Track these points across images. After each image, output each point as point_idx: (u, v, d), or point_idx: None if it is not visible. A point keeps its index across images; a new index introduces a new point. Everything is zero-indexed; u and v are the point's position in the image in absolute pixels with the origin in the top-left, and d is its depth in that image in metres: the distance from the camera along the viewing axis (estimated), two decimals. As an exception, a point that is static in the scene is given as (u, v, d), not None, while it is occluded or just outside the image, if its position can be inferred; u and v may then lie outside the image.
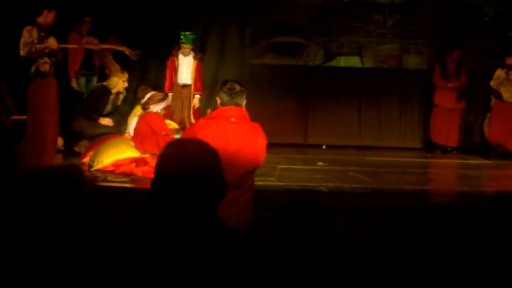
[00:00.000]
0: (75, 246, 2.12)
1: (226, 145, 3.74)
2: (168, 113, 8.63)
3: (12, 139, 7.56)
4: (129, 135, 7.79)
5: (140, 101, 7.91)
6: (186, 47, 8.55)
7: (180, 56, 8.62)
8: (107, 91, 8.29)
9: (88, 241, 2.09)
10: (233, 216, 3.71)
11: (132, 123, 7.93)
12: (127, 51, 7.89)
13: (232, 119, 4.02)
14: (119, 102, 8.59)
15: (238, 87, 4.07)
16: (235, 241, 1.86)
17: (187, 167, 1.84)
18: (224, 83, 4.15)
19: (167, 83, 8.72)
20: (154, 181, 1.89)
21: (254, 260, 1.83)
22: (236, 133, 3.99)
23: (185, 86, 8.70)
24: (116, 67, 8.23)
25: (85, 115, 8.21)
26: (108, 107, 8.37)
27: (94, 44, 8.18)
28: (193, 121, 8.63)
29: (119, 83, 8.30)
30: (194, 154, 1.88)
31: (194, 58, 8.70)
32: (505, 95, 9.09)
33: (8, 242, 2.12)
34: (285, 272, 2.06)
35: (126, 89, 8.70)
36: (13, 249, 2.10)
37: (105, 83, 8.32)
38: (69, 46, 8.05)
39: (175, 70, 8.64)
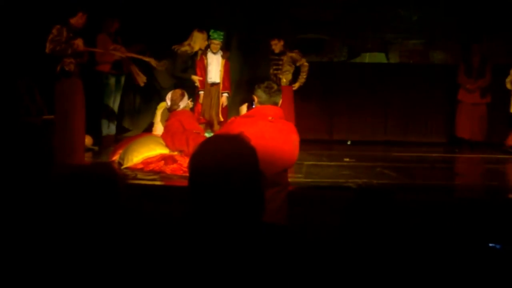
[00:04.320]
0: (113, 245, 2.12)
1: (263, 143, 3.69)
2: (200, 111, 8.67)
3: (47, 138, 7.65)
4: (158, 132, 7.82)
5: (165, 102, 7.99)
6: (217, 43, 8.58)
7: (209, 55, 8.65)
8: None
9: (126, 240, 2.10)
10: (273, 213, 3.75)
11: (159, 123, 7.98)
12: (153, 62, 7.95)
13: (270, 118, 4.03)
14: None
15: (275, 86, 4.10)
16: (278, 238, 1.82)
17: (223, 163, 1.79)
18: (262, 81, 4.17)
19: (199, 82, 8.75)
20: (190, 179, 1.84)
21: (299, 256, 1.82)
22: (273, 131, 4.00)
23: (213, 84, 8.73)
24: (141, 77, 8.27)
25: None
26: None
27: (121, 52, 8.24)
28: (221, 119, 8.68)
29: None
30: (230, 150, 1.83)
31: (223, 57, 8.72)
32: None
33: (43, 240, 2.12)
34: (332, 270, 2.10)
35: (153, 89, 8.69)
36: (49, 247, 2.10)
37: None
38: (96, 50, 8.10)
39: (204, 68, 8.68)
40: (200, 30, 8.56)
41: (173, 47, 8.53)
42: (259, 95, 4.07)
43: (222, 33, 8.63)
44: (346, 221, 2.56)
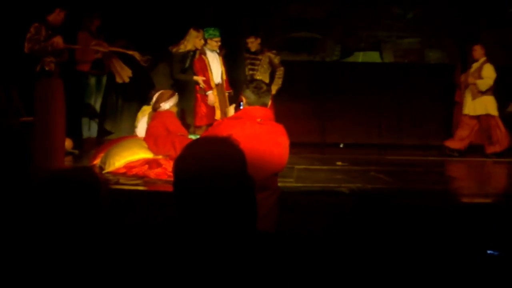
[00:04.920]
0: (94, 253, 2.05)
1: (251, 146, 3.66)
2: (212, 113, 8.25)
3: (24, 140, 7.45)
4: (139, 135, 7.67)
5: (150, 102, 7.76)
6: (218, 40, 8.21)
7: (209, 54, 8.26)
8: None
9: (109, 248, 2.03)
10: (262, 219, 3.60)
11: (141, 123, 7.76)
12: (137, 56, 7.80)
13: (258, 120, 3.97)
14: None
15: (264, 86, 4.03)
16: (268, 246, 1.76)
17: (210, 166, 1.74)
18: (251, 81, 4.14)
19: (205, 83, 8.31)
20: (175, 184, 1.79)
21: (291, 265, 1.76)
22: (262, 134, 3.94)
23: (217, 84, 8.30)
24: (126, 71, 8.06)
25: None
26: None
27: (103, 46, 8.05)
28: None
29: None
30: (217, 153, 1.77)
31: (219, 54, 8.38)
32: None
33: (23, 246, 2.06)
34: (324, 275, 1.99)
35: (136, 90, 8.56)
36: (29, 254, 2.04)
37: None
38: (76, 47, 7.98)
39: (207, 68, 8.24)
40: (196, 28, 8.24)
41: (170, 48, 8.25)
42: (247, 96, 4.00)
43: (218, 29, 8.31)
44: (346, 227, 2.59)
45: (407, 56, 10.28)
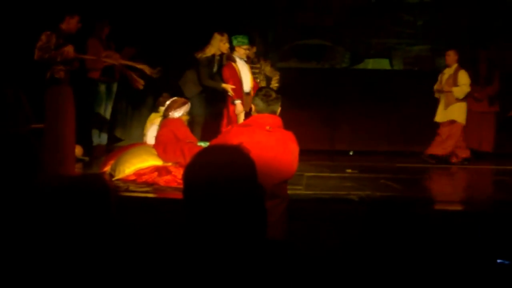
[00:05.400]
0: (103, 260, 2.05)
1: (260, 154, 3.68)
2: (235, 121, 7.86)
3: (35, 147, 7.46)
4: (148, 143, 7.66)
5: (158, 109, 7.71)
6: (247, 47, 8.06)
7: (238, 61, 8.03)
8: None
9: (118, 256, 2.03)
10: (272, 227, 3.63)
11: (150, 131, 7.75)
12: (147, 69, 7.73)
13: (267, 127, 3.99)
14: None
15: (274, 94, 4.07)
16: (278, 254, 1.77)
17: (219, 174, 1.75)
18: (260, 89, 4.21)
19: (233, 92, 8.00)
20: (185, 191, 1.81)
21: (300, 273, 1.77)
22: (271, 141, 3.96)
23: (247, 94, 8.00)
24: (139, 81, 8.07)
25: None
26: None
27: (113, 59, 8.01)
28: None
29: None
30: (227, 161, 1.78)
31: (247, 62, 8.21)
32: None
33: (32, 253, 2.06)
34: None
35: (146, 97, 8.48)
36: (38, 260, 2.05)
37: None
38: (87, 57, 7.93)
39: (237, 76, 7.97)
40: (220, 32, 8.05)
41: (195, 54, 8.11)
42: (256, 103, 4.05)
43: (246, 36, 8.17)
44: (357, 235, 2.57)
45: (417, 63, 10.24)
